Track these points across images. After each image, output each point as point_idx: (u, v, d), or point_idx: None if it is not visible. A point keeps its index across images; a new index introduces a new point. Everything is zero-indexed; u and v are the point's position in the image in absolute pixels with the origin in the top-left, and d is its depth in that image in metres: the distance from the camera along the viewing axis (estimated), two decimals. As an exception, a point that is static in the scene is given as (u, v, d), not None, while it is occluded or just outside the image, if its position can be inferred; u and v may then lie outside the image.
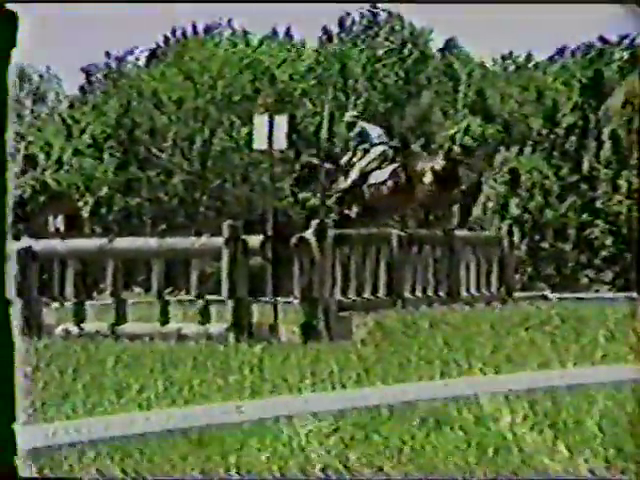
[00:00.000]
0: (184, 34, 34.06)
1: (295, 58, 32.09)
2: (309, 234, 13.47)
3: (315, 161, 18.37)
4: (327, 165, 17.82)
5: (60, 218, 25.29)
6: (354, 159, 17.54)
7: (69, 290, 14.17)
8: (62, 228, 24.97)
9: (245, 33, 33.21)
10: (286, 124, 19.47)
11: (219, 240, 13.25)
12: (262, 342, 11.60)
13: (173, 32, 34.12)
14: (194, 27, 33.96)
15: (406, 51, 32.25)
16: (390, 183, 17.28)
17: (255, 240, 13.39)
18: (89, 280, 14.71)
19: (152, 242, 14.25)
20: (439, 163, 17.41)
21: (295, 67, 31.64)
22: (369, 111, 30.35)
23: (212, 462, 5.66)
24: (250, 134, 22.51)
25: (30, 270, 14.16)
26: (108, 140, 30.22)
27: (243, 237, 13.27)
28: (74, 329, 13.46)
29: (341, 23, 33.46)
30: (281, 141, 19.34)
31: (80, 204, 28.65)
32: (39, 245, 14.57)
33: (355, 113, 19.20)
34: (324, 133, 29.73)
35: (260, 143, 19.81)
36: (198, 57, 31.76)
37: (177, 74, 31.40)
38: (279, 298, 13.29)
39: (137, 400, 7.89)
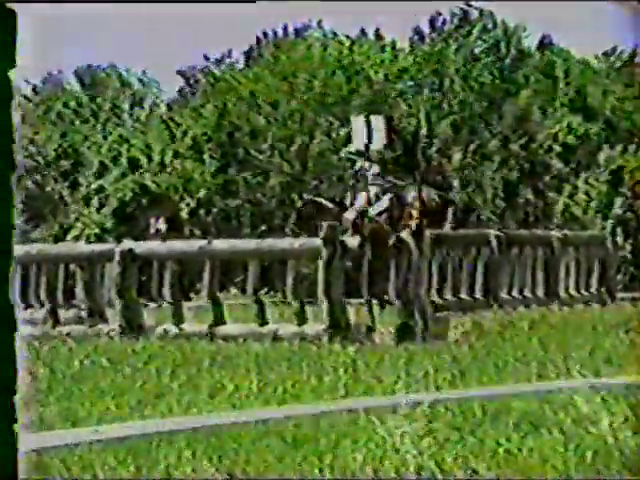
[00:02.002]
0: (275, 35, 34.14)
1: (391, 58, 31.96)
2: (406, 235, 13.41)
3: (319, 200, 18.45)
4: (330, 204, 17.89)
5: (162, 220, 25.58)
6: (352, 198, 17.68)
7: (167, 291, 14.31)
8: (163, 229, 25.23)
9: (334, 34, 33.15)
10: (384, 125, 19.41)
11: (317, 241, 13.26)
12: (355, 343, 11.57)
13: (264, 34, 34.24)
14: (285, 28, 34.05)
15: (502, 49, 31.90)
16: (384, 215, 17.35)
17: (353, 241, 13.38)
18: (186, 281, 14.85)
19: (249, 243, 14.33)
20: (430, 195, 17.59)
21: (390, 68, 31.52)
22: (466, 111, 30.13)
23: (307, 463, 5.66)
24: (348, 135, 22.51)
25: (130, 271, 14.32)
26: (209, 142, 30.45)
27: (341, 238, 13.27)
28: (174, 330, 13.58)
29: (432, 22, 33.20)
30: (379, 142, 19.29)
31: (180, 206, 28.94)
32: (139, 247, 14.74)
33: (353, 150, 18.74)
34: (423, 134, 29.59)
35: (358, 144, 19.79)
36: (293, 58, 31.83)
37: (273, 75, 31.53)
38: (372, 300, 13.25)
39: (232, 400, 7.93)
